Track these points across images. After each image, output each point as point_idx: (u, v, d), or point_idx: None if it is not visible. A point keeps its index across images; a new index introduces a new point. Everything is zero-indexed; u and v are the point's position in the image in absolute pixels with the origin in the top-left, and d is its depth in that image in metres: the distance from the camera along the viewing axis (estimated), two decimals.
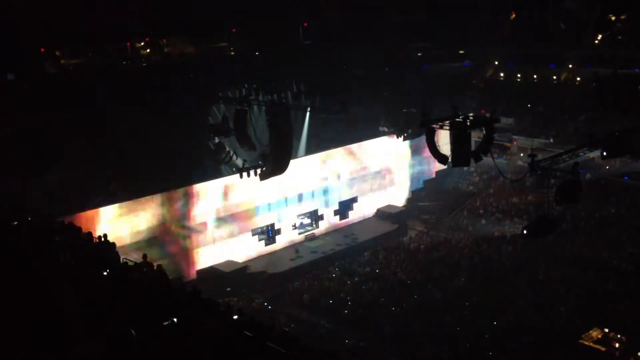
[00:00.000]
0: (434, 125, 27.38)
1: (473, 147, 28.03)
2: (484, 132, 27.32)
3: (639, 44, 45.60)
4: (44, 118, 35.47)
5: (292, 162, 37.60)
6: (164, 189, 38.04)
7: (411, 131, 40.77)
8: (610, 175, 43.40)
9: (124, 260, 20.13)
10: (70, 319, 14.96)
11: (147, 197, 37.40)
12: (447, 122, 26.60)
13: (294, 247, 43.75)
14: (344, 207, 47.56)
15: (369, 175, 48.61)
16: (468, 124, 26.30)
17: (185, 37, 47.95)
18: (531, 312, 32.16)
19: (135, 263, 19.96)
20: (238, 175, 36.65)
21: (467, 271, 37.28)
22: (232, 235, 41.20)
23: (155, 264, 20.46)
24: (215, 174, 41.06)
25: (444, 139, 28.77)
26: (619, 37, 46.47)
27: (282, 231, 44.01)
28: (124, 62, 45.51)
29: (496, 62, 55.52)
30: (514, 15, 53.83)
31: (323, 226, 46.37)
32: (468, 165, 30.00)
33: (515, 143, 49.46)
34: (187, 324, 14.45)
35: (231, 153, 41.60)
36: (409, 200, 50.77)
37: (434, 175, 51.98)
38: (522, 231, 26.49)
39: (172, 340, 13.99)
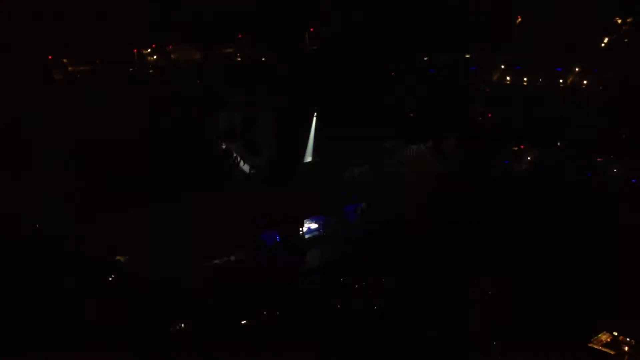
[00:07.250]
0: (441, 130, 27.42)
1: (478, 151, 28.05)
2: (489, 136, 27.37)
3: None
4: (48, 125, 35.56)
5: None
6: (169, 196, 37.91)
7: (417, 135, 40.68)
8: (619, 178, 43.10)
9: (129, 265, 20.15)
10: (78, 323, 14.93)
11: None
12: (453, 126, 26.66)
13: None
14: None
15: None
16: (475, 128, 26.38)
17: (191, 43, 47.97)
18: (540, 315, 32.02)
19: (141, 268, 19.96)
20: None
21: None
22: None
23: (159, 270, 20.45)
24: (223, 179, 40.96)
25: (450, 143, 28.78)
26: (626, 40, 46.30)
27: None
28: (131, 69, 45.52)
29: (502, 66, 55.28)
30: (519, 19, 53.65)
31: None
32: (475, 169, 29.99)
33: (522, 147, 49.16)
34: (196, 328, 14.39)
35: (238, 158, 41.54)
36: None
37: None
38: None
39: (181, 345, 13.97)
